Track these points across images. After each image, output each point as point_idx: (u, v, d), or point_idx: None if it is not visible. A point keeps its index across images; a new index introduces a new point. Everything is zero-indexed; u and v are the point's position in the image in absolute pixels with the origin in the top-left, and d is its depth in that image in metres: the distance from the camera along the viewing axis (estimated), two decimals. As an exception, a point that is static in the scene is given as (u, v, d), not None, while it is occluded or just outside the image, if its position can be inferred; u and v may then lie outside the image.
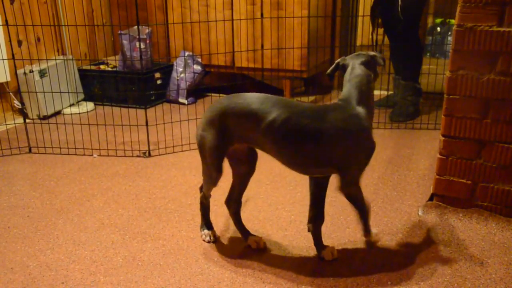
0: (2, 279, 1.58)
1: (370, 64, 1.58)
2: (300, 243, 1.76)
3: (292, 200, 2.10)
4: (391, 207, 2.01)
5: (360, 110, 1.50)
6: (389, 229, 1.84)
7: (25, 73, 3.14)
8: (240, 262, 1.65)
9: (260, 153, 1.63)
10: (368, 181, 2.25)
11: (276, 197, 2.13)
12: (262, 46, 3.03)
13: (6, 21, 2.72)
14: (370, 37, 3.10)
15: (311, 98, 3.71)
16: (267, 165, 2.46)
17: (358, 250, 1.71)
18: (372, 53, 1.62)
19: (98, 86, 3.64)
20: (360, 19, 3.91)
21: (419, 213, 1.96)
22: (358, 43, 4.46)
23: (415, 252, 1.70)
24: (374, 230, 1.74)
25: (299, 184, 2.25)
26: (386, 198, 2.09)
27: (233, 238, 1.80)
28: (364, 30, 5.39)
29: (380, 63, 1.60)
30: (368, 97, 1.54)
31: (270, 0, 3.31)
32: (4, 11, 2.93)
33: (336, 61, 1.65)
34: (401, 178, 2.29)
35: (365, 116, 1.50)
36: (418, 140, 2.78)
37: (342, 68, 1.62)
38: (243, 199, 1.76)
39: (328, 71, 1.66)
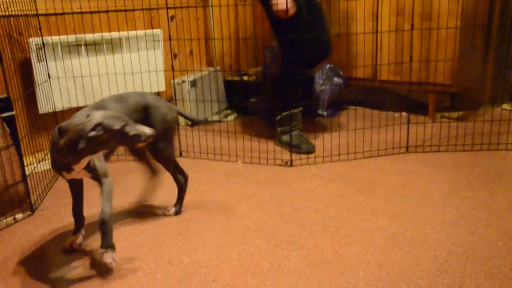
0: (162, 270, 1.72)
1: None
2: (453, 266, 1.65)
3: (442, 220, 1.98)
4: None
5: None
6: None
7: (178, 83, 3.40)
8: (387, 280, 1.59)
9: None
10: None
11: (424, 216, 2.02)
12: (411, 58, 2.91)
13: (170, 36, 2.98)
14: None
15: (460, 113, 3.49)
16: (412, 182, 2.35)
17: None
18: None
19: (241, 96, 3.81)
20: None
21: None
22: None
23: None
24: None
25: (448, 204, 2.11)
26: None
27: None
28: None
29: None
30: None
31: (420, 11, 3.18)
32: (169, 27, 3.22)
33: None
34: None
35: None
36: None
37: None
38: (385, 217, 1.69)
39: None
